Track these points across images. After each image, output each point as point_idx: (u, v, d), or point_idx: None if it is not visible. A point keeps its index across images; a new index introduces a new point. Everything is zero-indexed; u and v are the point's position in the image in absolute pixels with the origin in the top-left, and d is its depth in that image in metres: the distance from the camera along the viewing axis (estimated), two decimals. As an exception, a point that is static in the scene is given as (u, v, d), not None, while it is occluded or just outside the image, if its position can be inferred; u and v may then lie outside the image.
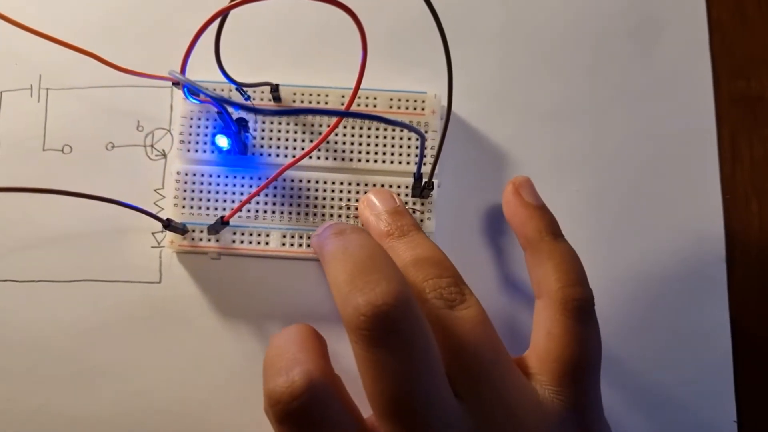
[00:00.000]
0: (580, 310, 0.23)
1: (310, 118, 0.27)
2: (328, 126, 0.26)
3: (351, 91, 0.23)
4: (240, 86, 0.26)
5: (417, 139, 0.27)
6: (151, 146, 0.28)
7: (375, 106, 0.27)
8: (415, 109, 0.27)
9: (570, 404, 0.22)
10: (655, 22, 0.29)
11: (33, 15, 0.26)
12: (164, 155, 0.28)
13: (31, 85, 0.28)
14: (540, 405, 0.21)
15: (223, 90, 0.27)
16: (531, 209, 0.25)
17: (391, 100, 0.27)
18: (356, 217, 0.26)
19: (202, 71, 0.25)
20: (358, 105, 0.27)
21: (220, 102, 0.23)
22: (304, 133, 0.27)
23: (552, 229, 0.25)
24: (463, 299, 0.22)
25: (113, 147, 0.28)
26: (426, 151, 0.27)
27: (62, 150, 0.28)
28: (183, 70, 0.22)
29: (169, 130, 0.28)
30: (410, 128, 0.23)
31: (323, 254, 0.22)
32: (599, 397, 0.23)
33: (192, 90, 0.22)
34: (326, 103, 0.27)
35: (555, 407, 0.22)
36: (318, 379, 0.20)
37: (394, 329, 0.19)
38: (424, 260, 0.23)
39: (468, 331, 0.21)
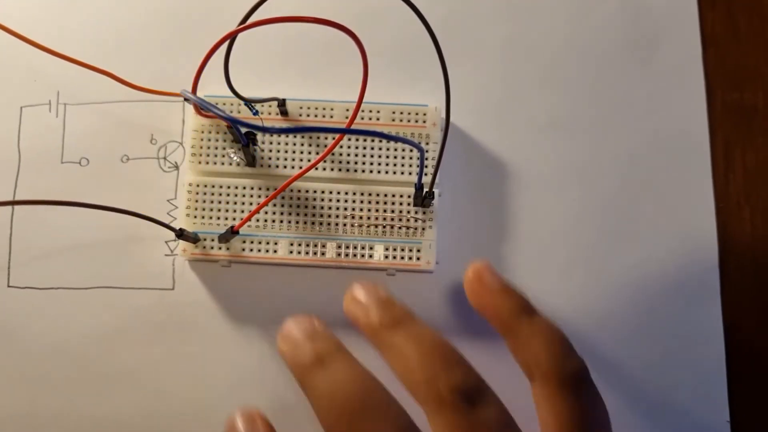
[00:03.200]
0: (579, 381, 0.22)
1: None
2: (333, 139, 0.27)
3: (355, 105, 0.24)
4: (248, 102, 0.27)
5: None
6: (164, 158, 0.29)
7: (378, 119, 0.28)
8: (416, 121, 0.28)
9: None
10: (650, 37, 0.30)
11: (51, 35, 0.27)
12: (177, 167, 0.29)
13: (50, 101, 0.29)
14: None
15: (232, 104, 0.28)
16: (499, 295, 0.24)
17: (394, 113, 0.28)
18: (360, 225, 0.27)
19: (213, 85, 0.26)
20: (362, 118, 0.28)
21: (230, 120, 0.24)
22: (310, 146, 0.28)
23: (525, 308, 0.23)
24: (481, 394, 0.21)
25: (128, 159, 0.29)
26: (427, 162, 0.27)
27: (80, 162, 0.29)
28: (194, 89, 0.23)
29: (181, 143, 0.29)
30: (409, 142, 0.24)
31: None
32: None
33: (203, 107, 0.23)
34: (331, 116, 0.28)
35: None
36: None
37: None
38: (431, 354, 0.21)
39: None
